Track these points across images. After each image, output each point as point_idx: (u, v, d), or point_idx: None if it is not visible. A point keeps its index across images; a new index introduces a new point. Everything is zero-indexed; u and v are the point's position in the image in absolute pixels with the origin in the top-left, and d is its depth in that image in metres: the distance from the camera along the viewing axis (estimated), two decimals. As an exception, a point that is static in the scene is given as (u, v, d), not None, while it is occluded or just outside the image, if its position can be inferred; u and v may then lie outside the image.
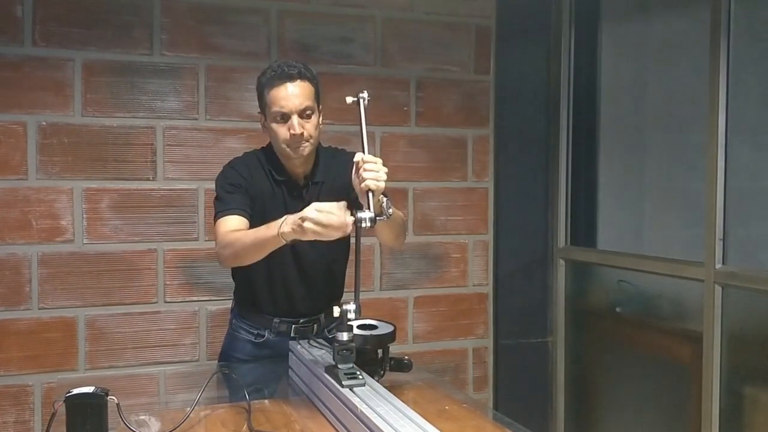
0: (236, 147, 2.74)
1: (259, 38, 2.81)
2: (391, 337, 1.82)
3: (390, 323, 1.87)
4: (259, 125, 2.05)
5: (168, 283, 2.72)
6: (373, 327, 1.84)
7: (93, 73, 2.61)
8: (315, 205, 1.61)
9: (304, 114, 1.88)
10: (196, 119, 2.74)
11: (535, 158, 3.28)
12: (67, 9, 2.57)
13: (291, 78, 1.87)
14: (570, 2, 3.20)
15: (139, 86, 2.67)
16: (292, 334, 2.06)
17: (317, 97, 1.94)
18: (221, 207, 1.94)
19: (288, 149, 1.91)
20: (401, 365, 1.83)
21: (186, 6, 2.71)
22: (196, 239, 2.75)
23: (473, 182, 3.16)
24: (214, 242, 1.94)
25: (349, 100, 1.74)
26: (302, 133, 1.88)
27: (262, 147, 2.07)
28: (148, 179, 2.69)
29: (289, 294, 2.06)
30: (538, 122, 3.28)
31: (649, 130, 3.25)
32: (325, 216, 1.58)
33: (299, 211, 1.67)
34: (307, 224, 1.59)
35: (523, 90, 3.24)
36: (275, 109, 1.88)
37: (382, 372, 1.80)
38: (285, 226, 1.66)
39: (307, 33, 2.87)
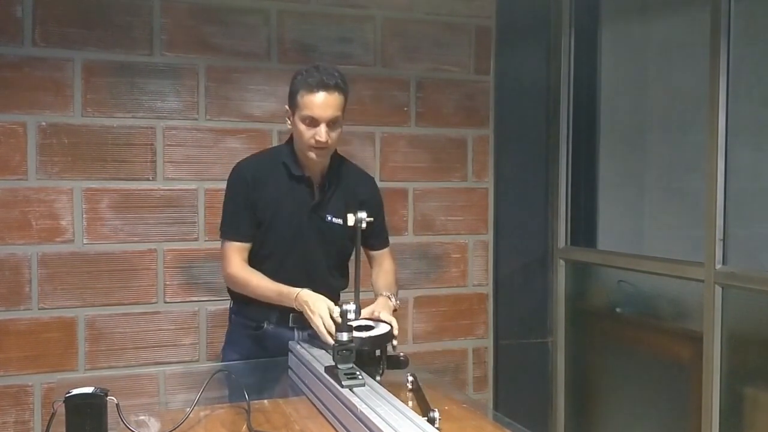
0: (236, 147, 2.74)
1: (259, 38, 2.80)
2: (389, 336, 1.81)
3: (387, 323, 1.87)
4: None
5: (168, 283, 2.72)
6: (370, 327, 1.84)
7: (93, 73, 2.61)
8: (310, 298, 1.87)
9: (331, 123, 1.97)
10: (196, 119, 2.74)
11: (535, 158, 3.28)
12: (67, 9, 2.57)
13: (328, 88, 1.95)
14: (570, 2, 3.19)
15: (139, 86, 2.66)
16: (290, 324, 2.06)
17: (344, 106, 2.02)
18: (228, 228, 2.08)
19: (310, 152, 2.00)
20: (397, 362, 1.83)
21: (186, 6, 2.71)
22: (196, 239, 2.74)
23: (473, 182, 3.16)
24: (217, 246, 1.95)
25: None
26: (327, 141, 1.97)
27: (288, 140, 2.13)
28: (148, 179, 2.68)
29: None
30: (538, 122, 3.28)
31: (649, 130, 3.25)
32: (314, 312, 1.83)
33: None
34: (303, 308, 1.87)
35: (523, 90, 3.24)
36: (306, 112, 1.96)
37: (381, 371, 1.80)
38: (296, 301, 1.90)
39: (307, 33, 2.87)
